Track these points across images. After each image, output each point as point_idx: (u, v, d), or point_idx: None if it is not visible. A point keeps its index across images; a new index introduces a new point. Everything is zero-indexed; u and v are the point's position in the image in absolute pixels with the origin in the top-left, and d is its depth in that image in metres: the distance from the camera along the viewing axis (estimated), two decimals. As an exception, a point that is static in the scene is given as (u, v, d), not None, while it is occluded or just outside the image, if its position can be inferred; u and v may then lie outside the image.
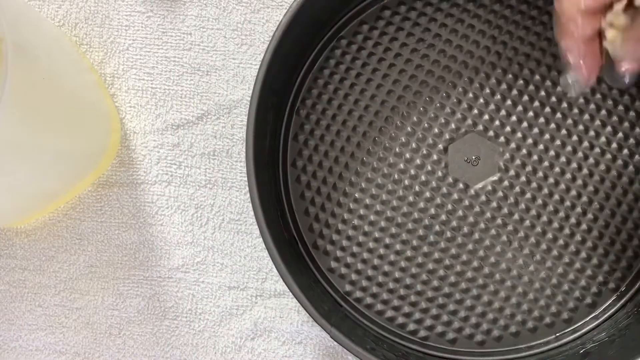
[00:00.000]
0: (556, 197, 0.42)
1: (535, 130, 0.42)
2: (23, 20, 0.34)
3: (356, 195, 0.42)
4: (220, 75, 0.44)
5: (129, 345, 0.44)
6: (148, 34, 0.44)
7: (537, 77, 0.42)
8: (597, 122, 0.42)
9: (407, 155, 0.42)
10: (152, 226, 0.44)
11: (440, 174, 0.42)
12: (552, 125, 0.42)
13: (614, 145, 0.42)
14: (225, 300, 0.44)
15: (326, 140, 0.42)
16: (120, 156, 0.44)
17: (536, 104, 0.42)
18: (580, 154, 0.42)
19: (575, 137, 0.42)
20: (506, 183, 0.42)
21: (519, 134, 0.42)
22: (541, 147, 0.42)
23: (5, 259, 0.44)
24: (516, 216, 0.42)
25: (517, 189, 0.42)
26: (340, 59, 0.43)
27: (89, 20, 0.44)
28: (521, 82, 0.42)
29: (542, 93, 0.42)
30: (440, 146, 0.42)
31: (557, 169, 0.42)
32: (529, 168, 0.42)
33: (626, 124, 0.42)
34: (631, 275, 0.41)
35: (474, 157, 0.42)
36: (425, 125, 0.42)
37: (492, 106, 0.42)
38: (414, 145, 0.42)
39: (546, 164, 0.42)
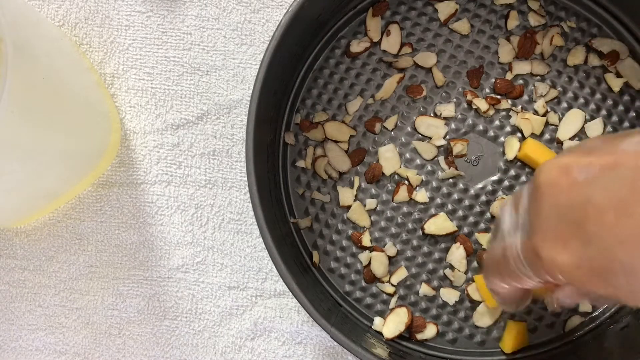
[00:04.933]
0: (556, 197, 0.41)
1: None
2: (23, 20, 0.34)
3: (357, 195, 0.42)
4: (220, 75, 0.44)
5: (129, 345, 0.44)
6: (148, 34, 0.44)
7: (537, 76, 0.42)
8: (597, 123, 0.42)
9: (407, 156, 0.42)
10: (152, 226, 0.44)
11: (440, 174, 0.42)
12: (552, 126, 0.42)
13: (614, 145, 0.42)
14: (225, 300, 0.44)
15: (326, 140, 0.42)
16: (120, 156, 0.44)
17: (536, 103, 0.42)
18: (580, 154, 0.42)
19: (574, 137, 0.42)
20: (506, 183, 0.42)
21: (519, 134, 0.42)
22: (541, 147, 0.42)
23: (5, 259, 0.44)
24: (516, 216, 0.42)
25: (517, 189, 0.42)
26: (340, 59, 0.43)
27: (89, 20, 0.44)
28: (520, 81, 0.42)
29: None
30: (441, 146, 0.42)
31: (557, 169, 0.41)
32: (528, 168, 0.42)
33: (626, 124, 0.42)
34: (631, 275, 0.41)
35: (474, 157, 0.42)
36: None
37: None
38: (414, 145, 0.42)
39: (546, 164, 0.42)
